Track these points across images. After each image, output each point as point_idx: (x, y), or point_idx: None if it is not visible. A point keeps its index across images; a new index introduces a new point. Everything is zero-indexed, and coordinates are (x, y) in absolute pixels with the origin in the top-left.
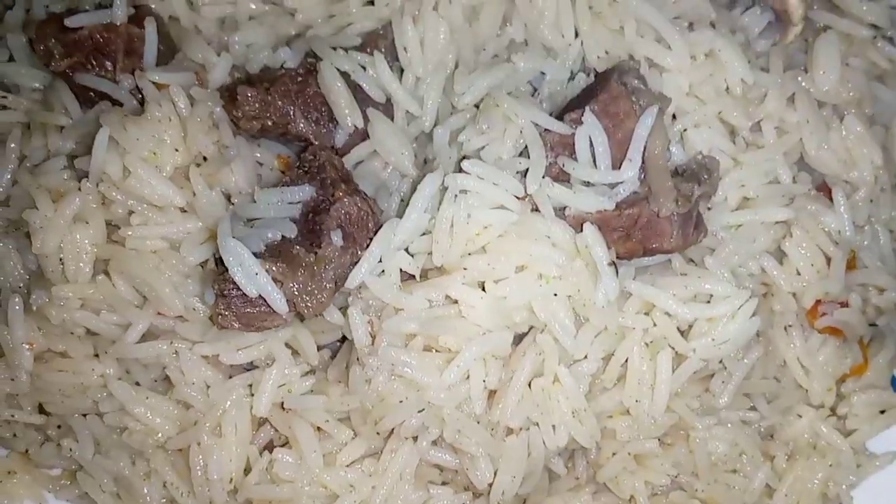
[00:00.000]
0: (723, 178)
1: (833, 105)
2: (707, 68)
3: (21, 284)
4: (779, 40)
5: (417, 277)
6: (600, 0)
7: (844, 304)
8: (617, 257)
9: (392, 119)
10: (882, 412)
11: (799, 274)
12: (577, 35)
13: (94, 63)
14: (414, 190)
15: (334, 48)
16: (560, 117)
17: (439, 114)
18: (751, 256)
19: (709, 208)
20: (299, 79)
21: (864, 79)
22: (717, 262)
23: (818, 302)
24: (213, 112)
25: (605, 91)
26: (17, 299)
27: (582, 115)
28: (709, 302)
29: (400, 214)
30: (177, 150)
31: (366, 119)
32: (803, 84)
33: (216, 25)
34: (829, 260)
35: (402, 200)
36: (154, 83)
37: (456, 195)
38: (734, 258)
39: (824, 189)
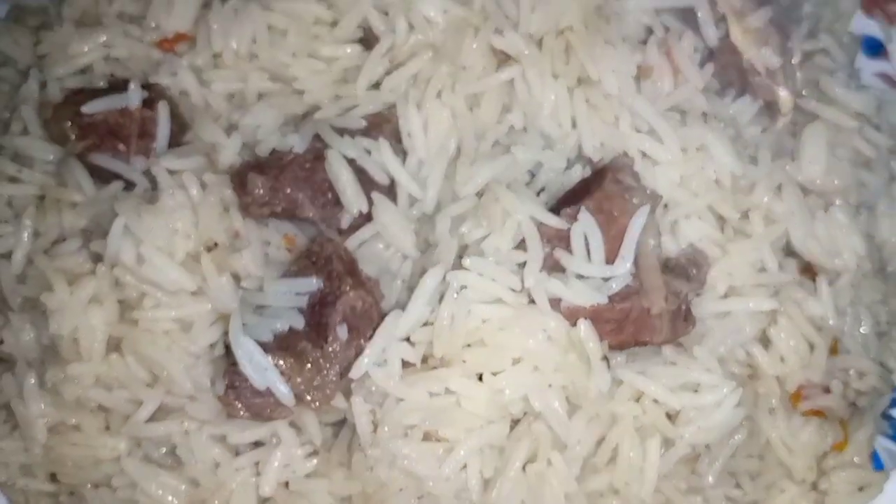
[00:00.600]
0: (711, 267)
1: (819, 192)
2: (698, 161)
3: (35, 357)
4: (769, 126)
5: (418, 364)
6: (596, 93)
7: (827, 390)
8: (609, 348)
9: (395, 200)
10: (861, 489)
11: (783, 360)
12: (574, 125)
13: (109, 145)
14: (415, 272)
15: (341, 134)
16: (557, 210)
17: (441, 197)
18: (737, 344)
19: (697, 294)
20: (307, 165)
21: (850, 167)
22: (705, 351)
23: (801, 387)
24: (224, 196)
25: (599, 189)
26: (32, 374)
27: (578, 211)
28: (696, 391)
29: (401, 297)
30: (189, 237)
31: (370, 202)
32: (791, 173)
33: (226, 100)
34: (812, 346)
35: (403, 282)
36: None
37: (457, 292)
38: (721, 348)
39: (809, 271)
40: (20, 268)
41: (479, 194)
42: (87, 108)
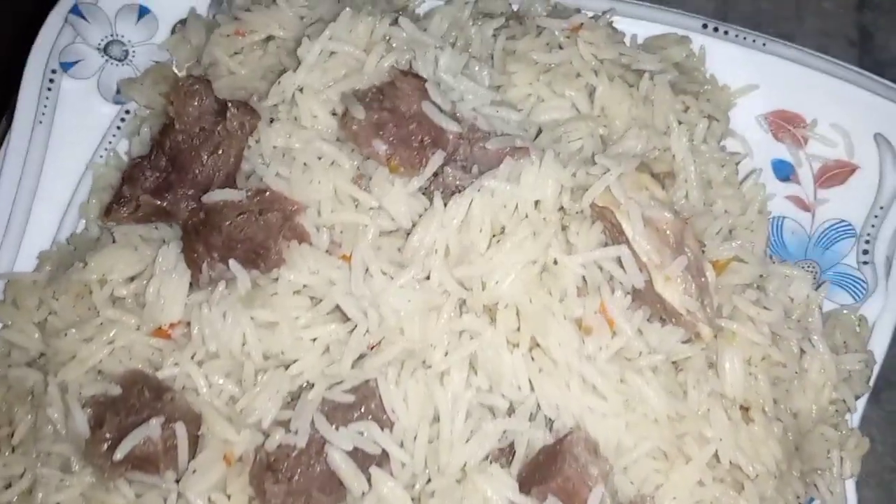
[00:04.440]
0: (657, 490)
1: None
2: (639, 410)
3: None
4: (695, 342)
5: None
6: (548, 362)
7: None
8: None
9: (388, 468)
10: None
11: None
12: (532, 389)
13: (140, 467)
14: None
15: (333, 422)
16: (527, 482)
17: (427, 460)
18: None
19: None
20: (312, 461)
21: (767, 378)
22: None
23: None
24: (248, 493)
25: (560, 474)
26: None
27: (546, 493)
28: None
29: None
30: None
31: (369, 476)
32: (714, 386)
33: (225, 377)
34: None
35: None
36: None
37: None
38: None
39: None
40: None
41: (464, 468)
42: (118, 455)
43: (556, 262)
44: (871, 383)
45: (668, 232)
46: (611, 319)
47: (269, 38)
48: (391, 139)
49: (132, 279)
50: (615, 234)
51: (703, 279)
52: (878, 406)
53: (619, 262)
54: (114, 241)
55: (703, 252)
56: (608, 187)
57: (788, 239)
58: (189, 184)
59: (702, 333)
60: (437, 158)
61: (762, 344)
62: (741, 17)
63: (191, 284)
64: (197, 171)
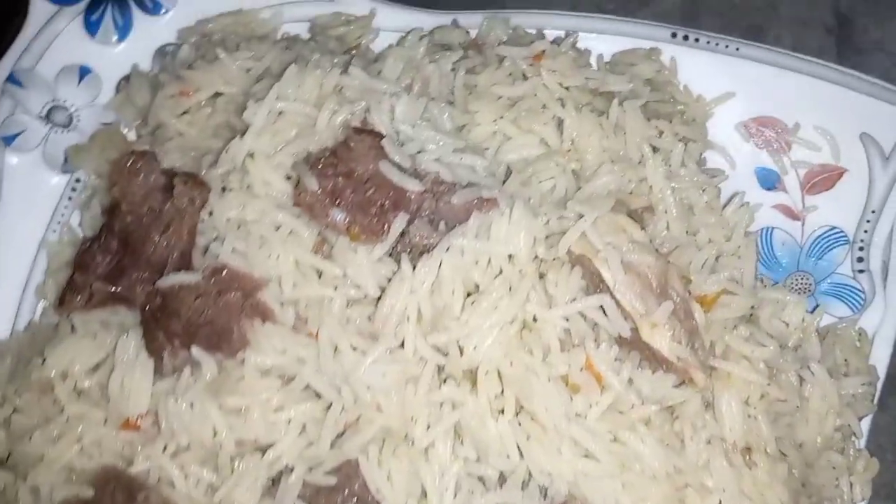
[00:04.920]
0: None
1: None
2: (635, 469)
3: None
4: (688, 386)
5: None
6: (535, 427)
7: None
8: None
9: None
10: None
11: None
12: (521, 456)
13: None
14: None
15: None
16: None
17: None
18: None
19: None
20: None
21: (767, 417)
22: None
23: None
24: None
25: None
26: None
27: None
28: None
29: None
30: None
31: None
32: (712, 430)
33: (207, 468)
34: None
35: None
36: None
37: None
38: None
39: None
40: None
41: None
42: None
43: (535, 320)
44: (876, 400)
45: (650, 276)
46: (598, 374)
47: (217, 95)
48: (349, 206)
49: (96, 367)
50: (595, 282)
51: (692, 322)
52: (885, 412)
53: (603, 309)
54: (73, 330)
55: (690, 291)
56: (584, 233)
57: (779, 250)
58: (143, 266)
59: (695, 379)
60: (399, 222)
61: (759, 383)
62: (712, 8)
63: (156, 370)
64: (150, 252)
